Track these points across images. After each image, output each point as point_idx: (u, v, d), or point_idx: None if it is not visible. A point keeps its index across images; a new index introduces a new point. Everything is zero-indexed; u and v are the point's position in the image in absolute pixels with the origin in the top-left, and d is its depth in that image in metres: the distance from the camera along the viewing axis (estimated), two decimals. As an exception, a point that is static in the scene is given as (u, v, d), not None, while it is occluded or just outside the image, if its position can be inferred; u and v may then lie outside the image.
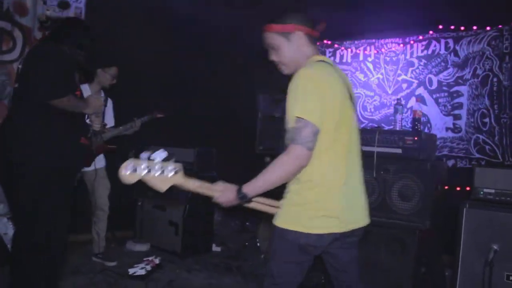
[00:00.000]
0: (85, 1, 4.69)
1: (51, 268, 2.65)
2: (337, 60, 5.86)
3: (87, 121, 2.98)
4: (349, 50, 5.77)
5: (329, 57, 5.95)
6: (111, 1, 4.83)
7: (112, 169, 4.35)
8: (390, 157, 3.46)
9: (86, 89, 4.13)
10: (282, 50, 2.08)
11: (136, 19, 5.06)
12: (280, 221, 2.00)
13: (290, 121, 1.90)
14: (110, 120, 4.39)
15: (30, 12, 4.41)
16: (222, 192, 2.02)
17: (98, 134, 4.01)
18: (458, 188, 4.45)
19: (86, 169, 4.10)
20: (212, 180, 4.98)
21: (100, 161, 4.26)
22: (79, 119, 2.83)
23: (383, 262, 3.35)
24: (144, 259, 4.01)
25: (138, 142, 4.55)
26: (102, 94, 4.31)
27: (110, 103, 4.40)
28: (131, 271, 3.81)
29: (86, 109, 2.83)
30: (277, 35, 2.06)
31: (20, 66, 2.76)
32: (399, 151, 3.43)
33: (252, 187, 1.94)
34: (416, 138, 3.37)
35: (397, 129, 3.70)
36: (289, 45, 2.07)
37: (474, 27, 4.78)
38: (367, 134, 3.59)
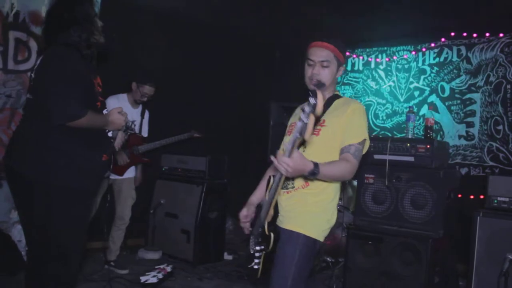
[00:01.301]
0: (99, 9, 4.75)
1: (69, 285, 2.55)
2: (349, 68, 5.86)
3: (109, 134, 2.63)
4: (361, 57, 5.77)
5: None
6: (124, 12, 4.89)
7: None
8: (402, 165, 3.45)
9: (123, 99, 4.23)
10: (330, 71, 2.25)
11: (149, 29, 5.12)
12: (310, 231, 2.17)
13: (353, 138, 2.15)
14: (145, 133, 4.47)
15: (45, 23, 4.47)
16: (297, 161, 1.86)
17: (127, 148, 4.11)
18: (471, 196, 4.40)
19: (115, 177, 4.16)
20: (223, 187, 5.04)
21: (130, 171, 4.31)
22: (99, 133, 2.48)
23: (395, 271, 3.32)
24: (156, 267, 4.02)
25: (153, 150, 4.59)
26: (140, 106, 4.38)
27: (147, 115, 4.46)
28: (143, 279, 3.82)
29: (107, 127, 2.46)
30: (335, 57, 2.24)
31: (32, 75, 2.45)
32: (411, 159, 3.41)
33: (325, 170, 1.98)
34: (428, 146, 3.35)
35: (409, 137, 3.68)
36: (336, 71, 2.28)
37: (487, 34, 4.76)
38: (379, 142, 3.57)
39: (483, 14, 4.57)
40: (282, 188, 2.23)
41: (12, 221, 3.88)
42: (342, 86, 5.89)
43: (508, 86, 4.59)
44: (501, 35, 4.67)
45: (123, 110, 2.54)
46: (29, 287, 2.43)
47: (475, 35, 4.84)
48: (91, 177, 2.44)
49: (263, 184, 2.46)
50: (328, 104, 2.28)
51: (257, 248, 2.27)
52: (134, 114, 4.30)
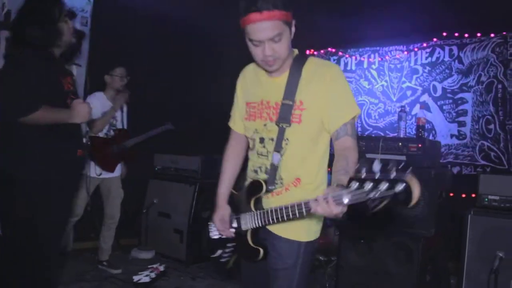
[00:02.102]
0: (91, 11, 4.74)
1: (43, 284, 2.55)
2: (342, 67, 5.87)
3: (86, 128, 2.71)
4: (354, 57, 5.78)
5: (334, 64, 5.96)
6: (117, 10, 4.88)
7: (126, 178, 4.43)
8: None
9: (102, 97, 4.21)
10: (285, 41, 1.77)
11: (142, 28, 5.11)
12: (311, 235, 1.94)
13: (345, 116, 1.81)
14: (125, 126, 4.44)
15: (37, 22, 4.45)
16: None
17: (116, 144, 4.10)
18: (463, 195, 4.43)
19: (105, 176, 4.15)
20: (216, 187, 5.01)
21: (118, 169, 4.30)
22: (72, 129, 2.52)
23: (388, 269, 3.33)
24: (149, 266, 4.02)
25: (143, 150, 4.58)
26: None
27: (125, 108, 4.45)
28: (135, 278, 3.82)
29: (73, 119, 2.47)
30: (283, 23, 1.72)
31: None
32: (403, 158, 3.43)
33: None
34: (420, 145, 3.37)
35: (401, 136, 3.70)
36: (290, 35, 1.80)
37: (478, 34, 4.78)
38: (371, 141, 3.59)
39: (475, 15, 4.60)
40: (266, 191, 1.91)
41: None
42: (335, 86, 5.90)
43: (499, 86, 4.62)
44: (492, 35, 4.70)
45: (92, 103, 2.67)
46: (5, 285, 2.41)
47: (466, 35, 4.86)
48: (67, 171, 2.49)
49: (227, 172, 2.18)
50: (295, 76, 1.85)
51: (228, 244, 2.06)
52: None
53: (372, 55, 5.62)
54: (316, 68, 1.86)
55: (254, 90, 1.99)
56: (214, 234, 2.12)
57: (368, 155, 3.57)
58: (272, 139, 1.89)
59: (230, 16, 5.49)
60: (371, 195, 1.28)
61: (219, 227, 2.03)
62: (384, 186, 1.26)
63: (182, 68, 5.54)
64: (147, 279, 3.82)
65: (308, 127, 1.86)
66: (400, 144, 3.45)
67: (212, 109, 5.79)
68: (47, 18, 2.42)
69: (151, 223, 4.84)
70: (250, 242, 1.93)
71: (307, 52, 6.10)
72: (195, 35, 5.56)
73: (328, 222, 4.36)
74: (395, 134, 4.84)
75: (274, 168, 1.89)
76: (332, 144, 1.90)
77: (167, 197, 4.83)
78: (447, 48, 5.02)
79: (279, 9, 1.68)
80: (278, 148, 1.87)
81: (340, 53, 5.89)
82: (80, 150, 2.54)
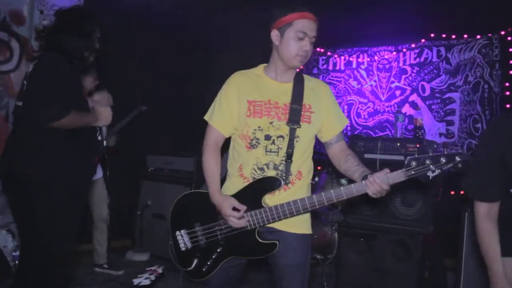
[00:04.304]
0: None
1: (65, 283, 2.57)
2: (330, 67, 5.95)
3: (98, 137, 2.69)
4: (342, 57, 5.86)
5: (322, 65, 6.04)
6: (108, 10, 4.81)
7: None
8: (393, 164, 3.53)
9: None
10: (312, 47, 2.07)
11: (134, 27, 5.06)
12: (311, 228, 2.14)
13: (342, 124, 2.16)
14: None
15: (27, 22, 4.36)
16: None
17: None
18: (452, 192, 4.56)
19: None
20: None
21: (99, 171, 4.24)
22: (91, 136, 2.58)
23: (387, 267, 3.42)
24: (147, 268, 3.99)
25: (137, 151, 4.55)
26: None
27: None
28: (135, 281, 3.79)
29: (97, 122, 2.56)
30: None
31: (25, 82, 2.47)
32: (401, 158, 3.51)
33: None
34: (418, 146, 3.46)
35: (398, 136, 3.79)
36: None
37: (465, 36, 4.93)
38: (370, 142, 3.67)
39: (461, 17, 4.73)
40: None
41: (-3, 227, 3.80)
42: (324, 86, 5.97)
43: (486, 86, 4.78)
44: (478, 36, 4.85)
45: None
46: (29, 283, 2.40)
47: (454, 36, 5.01)
48: (85, 178, 2.55)
49: (216, 171, 2.12)
50: (300, 85, 2.10)
51: (217, 249, 2.09)
52: None
53: (361, 55, 5.71)
54: (315, 82, 2.17)
55: (258, 90, 2.09)
56: (183, 245, 2.20)
57: (367, 155, 3.64)
58: (282, 137, 2.03)
59: (225, 14, 5.49)
60: (432, 167, 1.82)
61: (235, 216, 1.98)
62: (443, 160, 1.81)
63: (175, 68, 5.51)
64: (147, 282, 3.79)
65: (315, 127, 2.09)
66: (398, 144, 3.54)
67: (207, 109, 5.79)
68: (90, 34, 2.57)
69: (146, 224, 4.81)
70: (260, 239, 2.00)
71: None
72: (188, 34, 5.54)
73: (323, 221, 4.42)
74: (385, 133, 4.96)
75: (288, 164, 2.02)
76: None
77: (161, 199, 4.79)
78: (435, 49, 5.15)
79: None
80: (291, 146, 2.03)
81: (329, 53, 5.96)
82: (97, 157, 2.60)
